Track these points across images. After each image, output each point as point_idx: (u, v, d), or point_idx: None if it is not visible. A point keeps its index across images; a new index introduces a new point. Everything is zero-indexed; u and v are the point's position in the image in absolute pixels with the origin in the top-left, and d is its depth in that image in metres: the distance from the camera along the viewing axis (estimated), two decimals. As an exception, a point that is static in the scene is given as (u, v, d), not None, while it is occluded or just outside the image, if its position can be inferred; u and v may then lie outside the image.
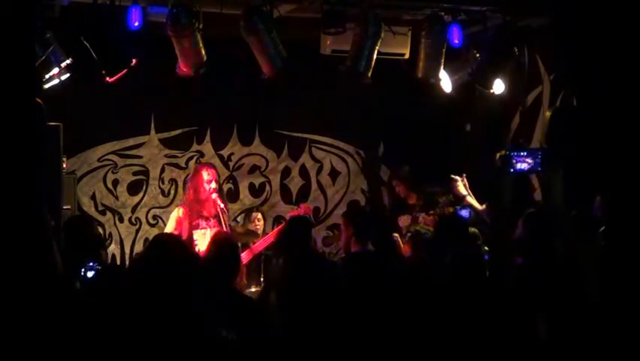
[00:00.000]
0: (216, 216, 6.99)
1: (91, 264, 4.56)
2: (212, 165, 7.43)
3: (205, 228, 6.99)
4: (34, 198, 4.07)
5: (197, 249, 6.74)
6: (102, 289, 4.01)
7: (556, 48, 7.54)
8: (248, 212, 8.22)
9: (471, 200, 6.99)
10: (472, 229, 5.91)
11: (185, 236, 6.82)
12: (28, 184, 4.00)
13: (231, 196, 8.70)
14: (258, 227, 7.95)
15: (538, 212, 5.42)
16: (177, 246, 4.03)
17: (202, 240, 6.88)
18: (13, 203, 3.93)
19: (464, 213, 6.83)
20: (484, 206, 6.92)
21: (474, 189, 7.19)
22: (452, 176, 7.10)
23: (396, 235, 6.61)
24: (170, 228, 7.00)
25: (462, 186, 7.04)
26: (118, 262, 8.36)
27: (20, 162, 3.97)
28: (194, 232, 6.96)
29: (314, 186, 9.20)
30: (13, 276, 3.89)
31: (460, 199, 7.03)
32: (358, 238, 5.87)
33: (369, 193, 9.32)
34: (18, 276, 3.90)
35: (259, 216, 8.09)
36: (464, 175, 7.10)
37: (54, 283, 4.15)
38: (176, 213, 7.06)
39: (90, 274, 4.54)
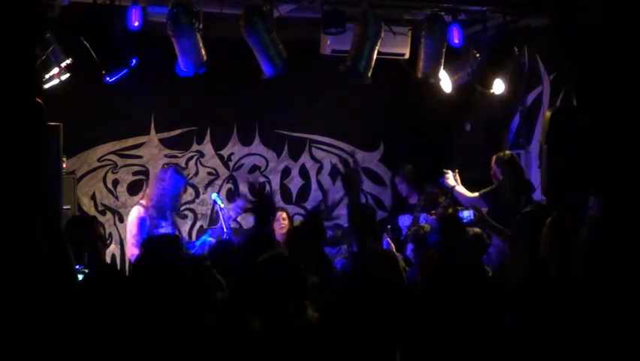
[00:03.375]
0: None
1: (77, 267, 4.54)
2: None
3: None
4: (35, 199, 4.06)
5: None
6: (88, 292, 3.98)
7: (556, 48, 7.56)
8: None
9: (460, 189, 7.30)
10: (476, 230, 5.90)
11: None
12: (29, 184, 4.00)
13: (231, 196, 8.69)
14: (283, 226, 7.87)
15: (537, 211, 5.43)
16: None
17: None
18: (14, 203, 3.93)
19: (466, 214, 6.83)
20: (475, 194, 7.15)
21: (474, 188, 7.23)
22: (444, 170, 7.41)
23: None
24: None
25: (451, 178, 7.36)
26: (118, 262, 8.36)
27: (20, 162, 3.97)
28: None
29: (314, 186, 9.19)
30: (13, 276, 3.89)
31: (449, 190, 7.33)
32: None
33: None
34: (19, 276, 3.90)
35: (284, 215, 7.97)
36: (456, 170, 7.42)
37: (61, 281, 4.14)
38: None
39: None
